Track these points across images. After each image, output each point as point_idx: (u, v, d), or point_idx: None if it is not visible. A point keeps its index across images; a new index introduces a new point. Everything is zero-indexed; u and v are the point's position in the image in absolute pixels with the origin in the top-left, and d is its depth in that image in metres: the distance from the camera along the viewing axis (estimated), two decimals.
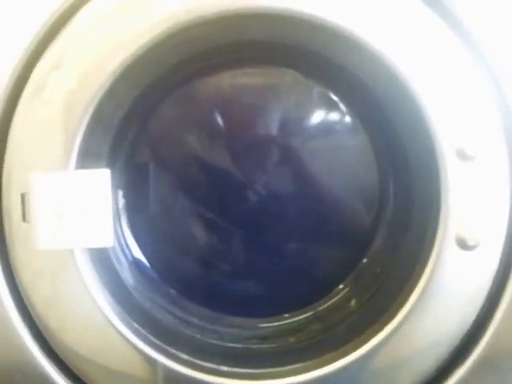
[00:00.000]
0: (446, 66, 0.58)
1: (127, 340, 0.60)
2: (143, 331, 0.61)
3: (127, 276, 0.67)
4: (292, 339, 0.69)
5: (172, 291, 0.70)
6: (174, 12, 0.56)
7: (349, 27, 0.57)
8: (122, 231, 0.69)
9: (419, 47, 0.57)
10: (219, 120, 0.68)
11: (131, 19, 0.57)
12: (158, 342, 0.61)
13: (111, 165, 0.62)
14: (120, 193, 0.68)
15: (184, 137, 0.69)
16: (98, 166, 0.60)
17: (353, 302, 0.69)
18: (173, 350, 0.61)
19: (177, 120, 0.69)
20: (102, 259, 0.61)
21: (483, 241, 0.58)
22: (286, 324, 0.71)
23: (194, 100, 0.68)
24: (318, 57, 0.62)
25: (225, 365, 0.62)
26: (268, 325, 0.71)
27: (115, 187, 0.66)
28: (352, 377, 0.61)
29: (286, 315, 0.71)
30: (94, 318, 0.59)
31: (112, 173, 0.57)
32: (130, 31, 0.57)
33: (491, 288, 0.60)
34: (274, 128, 0.68)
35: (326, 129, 0.69)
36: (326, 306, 0.70)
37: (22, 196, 0.58)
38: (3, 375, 0.62)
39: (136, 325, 0.61)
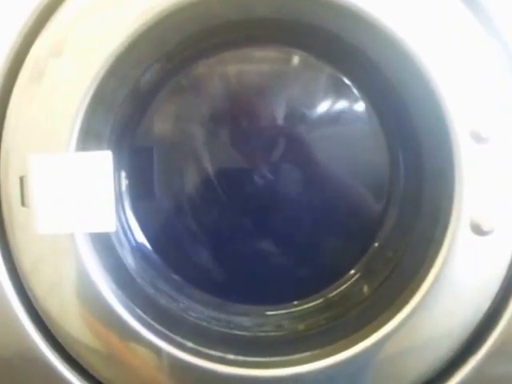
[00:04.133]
0: (461, 47, 0.56)
1: (130, 327, 0.59)
2: (147, 318, 0.61)
3: (130, 261, 0.67)
4: (301, 327, 0.68)
5: (176, 277, 0.69)
6: None
7: (361, 5, 0.55)
8: (125, 214, 0.69)
9: (433, 28, 0.56)
10: (224, 103, 0.67)
11: None
12: (162, 329, 0.61)
13: (113, 146, 0.61)
14: (123, 174, 0.67)
15: (187, 119, 0.68)
16: (100, 148, 0.59)
17: (364, 288, 0.68)
18: (178, 338, 0.61)
19: (180, 101, 0.68)
20: (103, 243, 0.60)
21: (498, 226, 0.57)
22: (294, 312, 0.70)
23: (197, 81, 0.68)
24: (328, 36, 0.61)
25: (231, 353, 0.61)
26: (276, 312, 0.70)
27: (118, 169, 0.65)
28: (363, 365, 0.60)
29: (295, 302, 0.70)
30: (95, 304, 0.59)
31: (114, 154, 0.56)
32: (133, 9, 0.55)
33: (506, 275, 0.59)
34: (281, 112, 0.67)
35: (336, 112, 0.68)
36: (336, 292, 0.69)
37: (21, 179, 0.57)
38: (4, 362, 0.61)
39: (139, 311, 0.61)
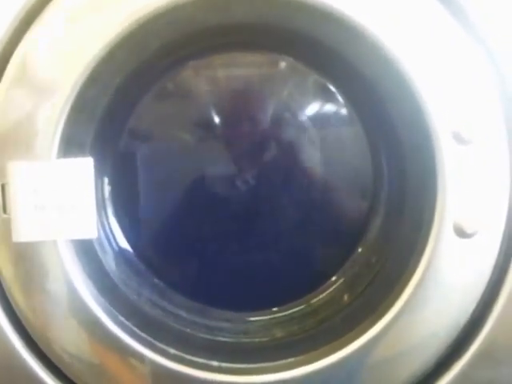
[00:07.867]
0: (442, 49, 0.56)
1: (113, 334, 0.58)
2: (129, 325, 0.60)
3: (113, 267, 0.66)
4: (285, 333, 0.67)
5: (159, 283, 0.69)
6: None
7: (344, 10, 0.55)
8: (108, 220, 0.68)
9: (415, 32, 0.56)
10: (207, 108, 0.67)
11: (113, 2, 0.55)
12: (145, 335, 0.60)
13: (96, 152, 0.61)
14: (106, 180, 0.67)
15: (170, 125, 0.68)
16: (82, 155, 0.58)
17: (347, 294, 0.68)
18: (161, 345, 0.60)
19: (163, 108, 0.68)
20: (86, 249, 0.60)
21: (482, 228, 0.57)
22: (277, 317, 0.69)
23: (180, 87, 0.67)
24: (311, 42, 0.61)
25: (215, 359, 0.60)
26: (259, 318, 0.69)
27: (100, 175, 0.65)
28: (348, 371, 0.59)
29: (278, 308, 0.70)
30: (77, 311, 0.58)
31: (97, 160, 0.56)
32: (113, 15, 0.55)
33: (491, 277, 0.58)
34: (266, 117, 0.67)
35: (319, 117, 0.68)
36: (319, 298, 0.69)
37: (2, 186, 0.56)
38: None
39: (122, 318, 0.60)
